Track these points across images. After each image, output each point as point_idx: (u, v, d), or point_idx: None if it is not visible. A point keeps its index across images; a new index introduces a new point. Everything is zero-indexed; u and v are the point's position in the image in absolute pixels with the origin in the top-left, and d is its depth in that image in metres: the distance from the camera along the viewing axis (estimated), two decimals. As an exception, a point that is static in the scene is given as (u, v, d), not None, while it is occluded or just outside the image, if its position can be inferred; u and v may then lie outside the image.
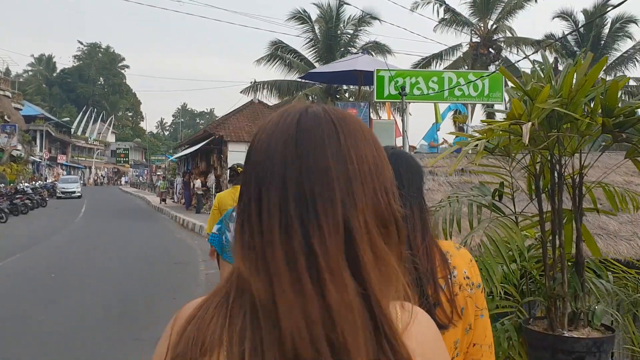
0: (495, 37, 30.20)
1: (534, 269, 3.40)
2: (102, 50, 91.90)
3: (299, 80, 27.27)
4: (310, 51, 28.50)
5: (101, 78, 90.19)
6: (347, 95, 27.13)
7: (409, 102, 10.53)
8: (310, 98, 26.67)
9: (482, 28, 30.02)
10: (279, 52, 27.83)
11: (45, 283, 9.99)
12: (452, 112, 13.66)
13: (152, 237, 17.19)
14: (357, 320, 0.72)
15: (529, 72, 3.10)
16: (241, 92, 27.74)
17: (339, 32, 28.90)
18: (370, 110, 12.01)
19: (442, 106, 12.68)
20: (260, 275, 0.74)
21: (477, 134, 3.00)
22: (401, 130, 10.41)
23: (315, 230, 0.74)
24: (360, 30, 28.91)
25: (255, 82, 27.75)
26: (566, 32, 30.26)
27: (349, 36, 29.02)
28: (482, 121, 7.58)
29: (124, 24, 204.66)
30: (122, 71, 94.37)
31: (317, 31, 28.56)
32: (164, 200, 32.97)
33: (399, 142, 12.69)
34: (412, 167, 1.57)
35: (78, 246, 14.98)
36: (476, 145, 2.67)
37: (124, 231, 18.66)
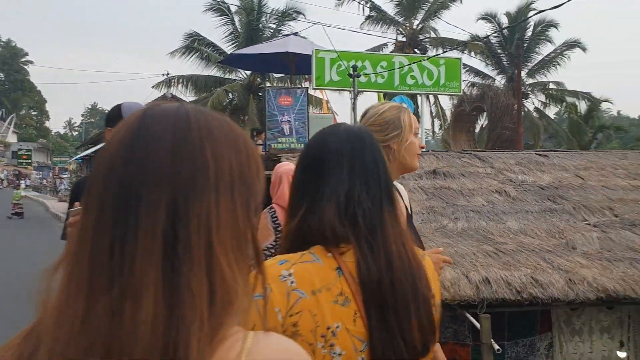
0: (421, 37, 29.71)
1: None
2: (1, 43, 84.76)
3: (216, 74, 25.34)
4: (230, 45, 26.55)
5: (1, 73, 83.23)
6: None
7: (360, 92, 8.83)
8: (230, 95, 24.78)
9: (408, 27, 29.44)
10: (195, 44, 25.66)
11: None
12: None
13: (38, 252, 14.35)
14: (138, 347, 0.63)
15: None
16: (153, 87, 25.22)
17: (260, 25, 27.20)
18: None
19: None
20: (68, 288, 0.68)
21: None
22: (351, 123, 8.65)
23: (131, 237, 0.67)
24: (284, 24, 27.34)
25: (168, 75, 25.36)
26: (490, 34, 30.05)
27: (272, 30, 27.35)
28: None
29: (28, 17, 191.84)
30: (25, 67, 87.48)
31: (237, 24, 26.69)
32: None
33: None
34: (378, 151, 1.33)
35: None
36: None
37: (3, 246, 15.66)
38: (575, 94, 26.63)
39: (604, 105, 29.80)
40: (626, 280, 4.52)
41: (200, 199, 0.68)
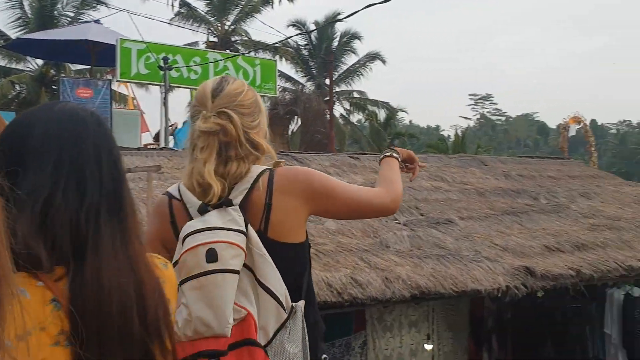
0: (233, 38, 29.59)
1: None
2: None
3: (0, 62, 22.39)
4: (18, 31, 23.56)
5: None
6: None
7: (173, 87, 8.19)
8: (17, 87, 22.00)
9: (220, 28, 29.12)
10: (-28, 28, 22.38)
11: None
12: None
13: None
14: None
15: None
16: None
17: (56, 12, 24.65)
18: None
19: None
20: None
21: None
22: (163, 120, 8.01)
23: None
24: (84, 13, 25.11)
25: None
26: (299, 41, 31.06)
27: (69, 19, 24.94)
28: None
29: None
30: None
31: (27, 8, 23.84)
32: None
33: (146, 138, 10.26)
34: (105, 143, 1.02)
35: None
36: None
37: None
38: (375, 102, 28.66)
39: (399, 114, 32.57)
40: (435, 276, 4.71)
41: None
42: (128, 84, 12.42)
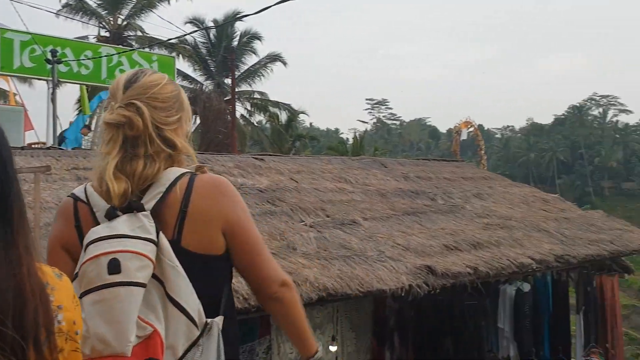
0: (126, 34, 28.36)
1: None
2: None
3: None
4: None
5: None
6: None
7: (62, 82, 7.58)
8: None
9: (112, 22, 27.80)
10: None
11: None
12: (105, 102, 10.93)
13: None
14: None
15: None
16: None
17: None
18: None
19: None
20: None
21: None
22: (50, 117, 7.38)
23: None
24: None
25: None
26: (198, 39, 30.39)
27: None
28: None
29: None
30: None
31: None
32: None
33: (30, 137, 9.49)
34: None
35: None
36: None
37: None
38: (277, 104, 28.61)
39: (300, 117, 32.75)
40: (342, 277, 4.70)
41: None
42: (9, 78, 11.48)
